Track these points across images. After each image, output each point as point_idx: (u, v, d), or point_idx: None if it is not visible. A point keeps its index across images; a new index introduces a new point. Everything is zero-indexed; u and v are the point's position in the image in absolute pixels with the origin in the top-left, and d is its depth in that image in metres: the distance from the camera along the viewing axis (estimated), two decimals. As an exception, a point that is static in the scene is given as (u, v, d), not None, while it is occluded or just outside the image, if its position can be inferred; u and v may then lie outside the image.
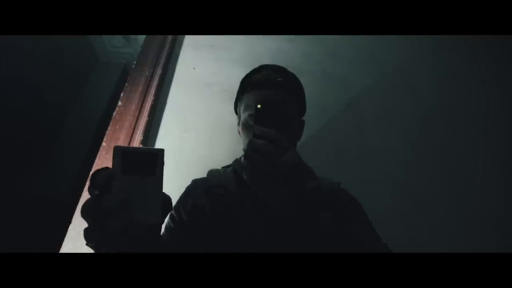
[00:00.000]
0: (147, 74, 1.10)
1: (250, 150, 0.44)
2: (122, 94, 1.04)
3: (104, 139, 0.93)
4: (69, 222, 0.80)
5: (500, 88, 1.36)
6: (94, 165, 0.88)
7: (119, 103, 1.02)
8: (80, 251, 0.75)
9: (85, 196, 0.82)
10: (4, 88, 1.79)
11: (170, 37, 1.21)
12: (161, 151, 0.35)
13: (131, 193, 0.33)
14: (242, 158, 0.46)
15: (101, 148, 0.91)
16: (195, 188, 0.67)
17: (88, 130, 2.19)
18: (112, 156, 0.33)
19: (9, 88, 1.82)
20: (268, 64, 0.72)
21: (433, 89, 1.31)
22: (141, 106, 1.02)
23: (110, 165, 0.34)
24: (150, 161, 0.34)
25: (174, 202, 0.64)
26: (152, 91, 1.05)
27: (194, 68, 1.17)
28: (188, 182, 0.70)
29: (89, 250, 0.34)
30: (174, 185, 0.68)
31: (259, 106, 0.48)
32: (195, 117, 1.06)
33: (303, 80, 0.72)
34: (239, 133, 0.69)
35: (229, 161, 0.74)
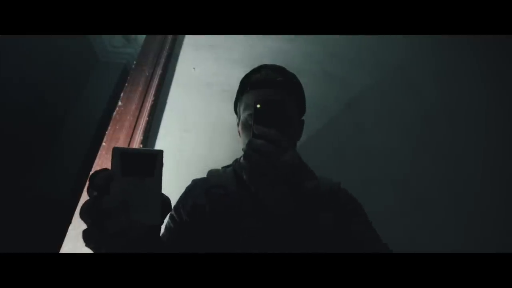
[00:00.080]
0: (147, 74, 1.10)
1: (249, 150, 0.44)
2: (122, 94, 1.04)
3: (104, 139, 0.93)
4: (69, 222, 0.80)
5: (500, 88, 1.36)
6: (94, 165, 0.88)
7: (119, 103, 1.02)
8: (80, 251, 0.75)
9: (85, 196, 0.82)
10: (4, 88, 1.79)
11: (170, 37, 1.21)
12: (160, 152, 0.35)
13: (130, 195, 0.33)
14: (242, 158, 0.46)
15: (101, 148, 0.91)
16: (195, 188, 0.67)
17: (88, 130, 2.19)
18: (111, 156, 0.33)
19: (9, 88, 1.82)
20: (267, 64, 0.72)
21: (434, 89, 1.30)
22: (141, 106, 1.02)
23: (110, 165, 0.33)
24: (149, 162, 0.34)
25: (174, 202, 0.64)
26: (152, 91, 1.05)
27: (194, 68, 1.17)
28: (188, 182, 0.70)
29: (89, 250, 0.34)
30: (174, 185, 0.68)
31: (258, 106, 0.48)
32: (195, 117, 1.06)
33: (303, 80, 0.72)
34: (239, 133, 0.69)
35: (229, 161, 0.74)
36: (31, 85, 1.98)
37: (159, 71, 1.10)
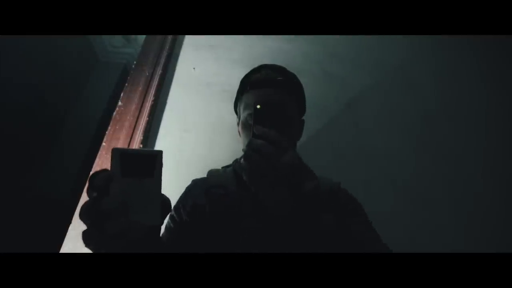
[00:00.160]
0: (147, 74, 1.10)
1: (249, 151, 0.44)
2: (122, 94, 1.04)
3: (104, 139, 0.93)
4: (69, 222, 0.80)
5: (501, 88, 1.36)
6: (94, 165, 0.88)
7: (119, 103, 1.02)
8: (80, 251, 0.75)
9: (85, 197, 0.82)
10: (4, 88, 1.79)
11: (170, 37, 1.21)
12: (160, 152, 0.35)
13: (130, 195, 0.33)
14: (242, 159, 0.46)
15: (101, 148, 0.91)
16: (195, 188, 0.67)
17: (88, 130, 2.19)
18: (110, 157, 0.33)
19: (9, 88, 1.82)
20: (267, 64, 0.72)
21: (434, 89, 1.30)
22: (141, 106, 1.02)
23: (109, 166, 0.33)
24: (149, 163, 0.34)
25: (173, 202, 0.64)
26: (152, 91, 1.05)
27: (194, 68, 1.17)
28: (188, 182, 0.70)
29: (89, 251, 0.34)
30: (174, 185, 0.68)
31: (258, 106, 0.48)
32: (195, 117, 1.06)
33: (303, 80, 0.72)
34: (239, 133, 0.69)
35: (229, 161, 0.74)
36: (31, 85, 1.98)
37: (159, 71, 1.10)
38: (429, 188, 1.06)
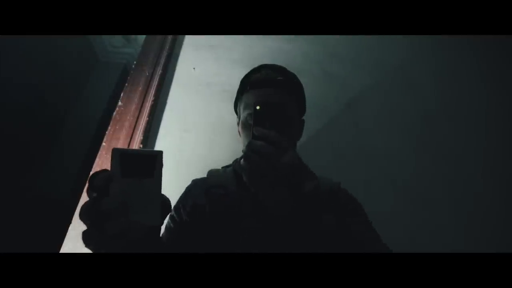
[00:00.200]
0: (147, 74, 1.10)
1: (249, 152, 0.44)
2: (122, 94, 1.04)
3: (104, 139, 0.93)
4: (69, 222, 0.80)
5: (501, 88, 1.36)
6: (94, 165, 0.88)
7: (119, 103, 1.02)
8: (80, 251, 0.75)
9: (85, 197, 0.82)
10: (4, 88, 1.79)
11: (170, 37, 1.21)
12: (160, 153, 0.35)
13: (130, 195, 0.33)
14: (242, 159, 0.46)
15: (101, 148, 0.91)
16: (195, 188, 0.67)
17: (88, 130, 2.19)
18: (110, 157, 0.33)
19: (9, 88, 1.82)
20: (267, 64, 0.72)
21: (434, 89, 1.30)
22: (141, 106, 1.02)
23: (109, 165, 0.33)
24: (149, 163, 0.34)
25: (173, 202, 0.64)
26: (152, 91, 1.05)
27: (194, 68, 1.17)
28: (188, 182, 0.70)
29: (89, 251, 0.34)
30: (174, 185, 0.68)
31: (258, 107, 0.48)
32: (195, 117, 1.06)
33: (303, 80, 0.71)
34: (239, 133, 0.69)
35: (229, 161, 0.74)
36: (31, 85, 1.98)
37: (159, 71, 1.10)
38: (429, 188, 1.06)
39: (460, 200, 1.05)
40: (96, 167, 0.88)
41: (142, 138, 0.94)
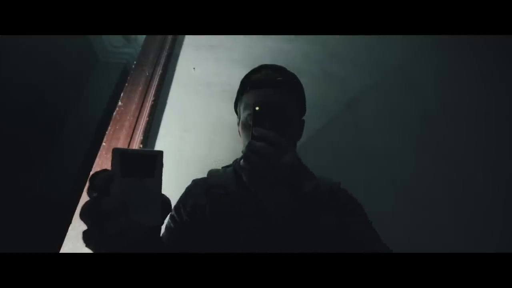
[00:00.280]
0: (147, 74, 1.10)
1: (249, 152, 0.44)
2: (122, 94, 1.04)
3: (104, 139, 0.93)
4: (69, 222, 0.80)
5: (501, 88, 1.36)
6: (94, 165, 0.88)
7: (119, 103, 1.02)
8: (80, 251, 0.75)
9: (85, 196, 0.82)
10: (4, 88, 1.79)
11: (170, 37, 1.21)
12: (160, 153, 0.35)
13: (130, 195, 0.33)
14: (242, 160, 0.46)
15: (101, 148, 0.91)
16: (195, 188, 0.67)
17: (88, 130, 2.19)
18: (111, 157, 0.33)
19: (9, 88, 1.82)
20: (267, 64, 0.72)
21: (434, 89, 1.30)
22: (141, 106, 1.02)
23: (110, 165, 0.34)
24: (149, 163, 0.34)
25: (174, 202, 0.64)
26: (152, 91, 1.05)
27: (194, 68, 1.17)
28: (188, 182, 0.70)
29: (89, 250, 0.34)
30: (174, 185, 0.68)
31: (257, 108, 0.48)
32: (195, 117, 1.06)
33: (303, 80, 0.71)
34: (239, 133, 0.69)
35: (229, 161, 0.74)
36: (31, 85, 1.98)
37: (159, 71, 1.10)
38: (429, 188, 1.06)
39: (460, 200, 1.05)
40: (96, 167, 0.88)
41: (142, 138, 0.94)
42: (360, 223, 0.59)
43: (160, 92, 1.08)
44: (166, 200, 0.37)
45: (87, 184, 0.34)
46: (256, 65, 0.72)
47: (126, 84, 1.07)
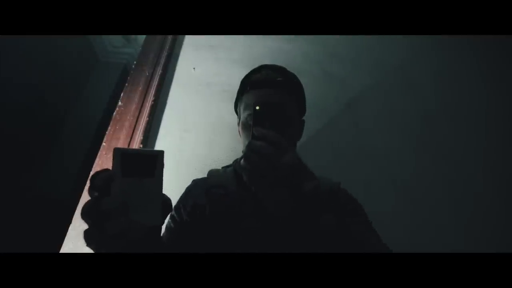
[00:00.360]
0: (147, 74, 1.10)
1: (249, 152, 0.44)
2: (122, 94, 1.04)
3: (104, 139, 0.93)
4: (69, 222, 0.80)
5: (501, 88, 1.36)
6: (94, 165, 0.88)
7: (119, 103, 1.02)
8: (80, 251, 0.75)
9: (85, 196, 0.82)
10: (4, 88, 1.79)
11: (170, 37, 1.21)
12: (161, 153, 0.35)
13: (131, 195, 0.33)
14: (242, 160, 0.46)
15: (101, 148, 0.91)
16: (195, 188, 0.67)
17: (88, 130, 2.19)
18: (112, 157, 0.33)
19: (9, 88, 1.82)
20: (268, 64, 0.72)
21: (434, 89, 1.31)
22: (141, 106, 1.02)
23: (110, 165, 0.34)
24: (150, 163, 0.34)
25: (174, 202, 0.64)
26: (152, 91, 1.05)
27: (194, 68, 1.17)
28: (188, 182, 0.70)
29: (89, 250, 0.34)
30: (174, 185, 0.68)
31: (257, 107, 0.48)
32: (195, 117, 1.06)
33: (303, 80, 0.72)
34: (239, 133, 0.69)
35: (229, 161, 0.74)
36: (31, 85, 1.98)
37: (159, 71, 1.10)
38: (429, 188, 1.06)
39: (460, 200, 1.05)
40: (96, 167, 0.88)
41: (142, 138, 0.94)
42: (360, 223, 0.59)
43: (160, 92, 1.08)
44: (167, 200, 0.37)
45: (88, 184, 0.34)
46: (256, 65, 0.72)
47: (126, 84, 1.07)
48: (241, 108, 0.67)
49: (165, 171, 0.35)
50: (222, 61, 1.21)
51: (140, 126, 0.97)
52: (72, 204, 0.79)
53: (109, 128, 0.96)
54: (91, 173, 0.79)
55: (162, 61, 1.14)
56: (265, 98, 0.61)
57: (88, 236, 0.32)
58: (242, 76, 0.72)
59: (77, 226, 0.80)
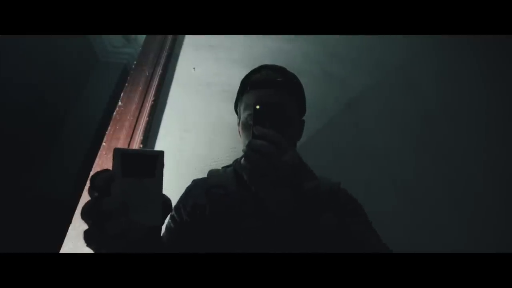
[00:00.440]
0: (147, 74, 1.10)
1: (249, 151, 0.44)
2: (122, 94, 1.04)
3: (104, 139, 0.93)
4: (69, 222, 0.80)
5: (501, 88, 1.36)
6: (94, 165, 0.88)
7: (119, 103, 1.02)
8: (80, 251, 0.75)
9: (85, 196, 0.82)
10: (4, 88, 1.79)
11: (170, 37, 1.21)
12: (161, 153, 0.35)
13: (131, 196, 0.33)
14: (242, 159, 0.46)
15: (101, 148, 0.91)
16: (195, 188, 0.67)
17: (88, 130, 2.19)
18: (112, 157, 0.33)
19: (9, 88, 1.82)
20: (268, 64, 0.72)
21: (434, 89, 1.31)
22: (141, 106, 1.02)
23: (110, 165, 0.34)
24: (150, 163, 0.34)
25: (174, 202, 0.64)
26: (152, 91, 1.05)
27: (194, 68, 1.17)
28: (188, 182, 0.70)
29: (89, 250, 0.34)
30: (174, 185, 0.68)
31: (257, 107, 0.48)
32: (195, 117, 1.06)
33: (303, 80, 0.72)
34: (239, 133, 0.69)
35: (229, 161, 0.74)
36: (31, 85, 1.98)
37: (159, 71, 1.10)
38: (429, 188, 1.06)
39: (460, 200, 1.05)
40: (96, 167, 0.88)
41: (142, 138, 0.94)
42: (360, 223, 0.59)
43: (160, 92, 1.08)
44: (167, 201, 0.37)
45: (88, 184, 0.34)
46: (256, 65, 0.72)
47: (126, 84, 1.07)
48: (241, 108, 0.67)
49: (165, 171, 0.35)
50: (222, 61, 1.21)
51: (140, 126, 0.97)
52: (72, 204, 0.79)
53: (109, 128, 0.96)
54: (91, 173, 0.79)
55: (162, 61, 1.14)
56: (265, 98, 0.61)
57: (88, 237, 0.32)
58: (242, 76, 0.72)
59: (77, 226, 0.80)
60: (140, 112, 1.00)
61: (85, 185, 0.82)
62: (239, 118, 0.70)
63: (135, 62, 1.15)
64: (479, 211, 1.04)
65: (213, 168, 0.71)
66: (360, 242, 0.48)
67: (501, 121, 1.27)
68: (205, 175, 0.69)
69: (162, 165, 0.35)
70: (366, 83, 1.26)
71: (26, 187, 1.89)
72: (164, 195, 0.36)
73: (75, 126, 2.22)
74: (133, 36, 2.42)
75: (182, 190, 0.69)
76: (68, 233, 0.79)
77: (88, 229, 0.32)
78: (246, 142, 0.61)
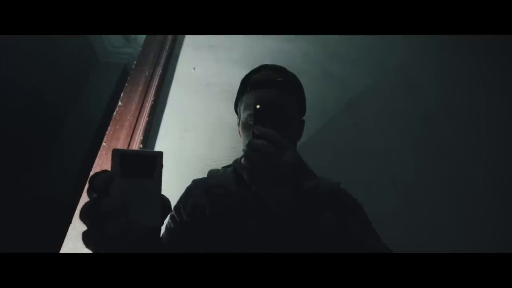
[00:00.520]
0: (147, 74, 1.10)
1: (249, 151, 0.44)
2: (122, 94, 1.04)
3: (104, 139, 0.93)
4: (69, 222, 0.80)
5: (501, 88, 1.36)
6: (94, 165, 0.88)
7: (119, 103, 1.02)
8: (80, 251, 0.75)
9: (85, 196, 0.82)
10: (4, 88, 1.79)
11: (170, 37, 1.21)
12: (160, 154, 0.35)
13: (130, 196, 0.33)
14: (242, 158, 0.46)
15: (101, 148, 0.91)
16: (195, 188, 0.67)
17: (88, 130, 2.19)
18: (111, 158, 0.34)
19: (9, 88, 1.82)
20: (268, 64, 0.72)
21: (434, 89, 1.31)
22: (141, 106, 1.02)
23: (110, 165, 0.34)
24: (149, 164, 0.34)
25: (173, 202, 0.64)
26: (152, 91, 1.05)
27: (194, 68, 1.17)
28: (188, 182, 0.70)
29: (89, 251, 0.34)
30: (174, 185, 0.68)
31: (258, 106, 0.48)
32: (195, 117, 1.06)
33: (303, 80, 0.72)
34: (240, 133, 0.69)
35: (229, 161, 0.74)
36: (31, 85, 1.98)
37: (159, 71, 1.10)
38: (429, 188, 1.06)
39: (460, 200, 1.05)
40: (96, 167, 0.88)
41: (142, 138, 0.94)
42: (360, 223, 0.59)
43: (160, 92, 1.08)
44: (166, 201, 0.37)
45: (87, 185, 0.34)
46: (256, 65, 0.72)
47: (126, 84, 1.07)
48: (241, 108, 0.67)
49: (165, 171, 0.35)
50: (222, 61, 1.21)
51: (140, 126, 0.97)
52: (72, 204, 0.79)
53: (109, 128, 0.96)
54: (91, 173, 0.79)
55: (162, 61, 1.14)
56: (265, 98, 0.61)
57: (87, 237, 0.32)
58: (242, 76, 0.72)
59: (77, 226, 0.80)
60: (140, 112, 1.00)
61: (85, 185, 0.82)
62: (239, 118, 0.70)
63: (135, 62, 1.15)
64: (479, 211, 1.04)
65: (213, 168, 0.71)
66: (360, 242, 0.48)
67: (501, 121, 1.27)
68: (205, 175, 0.69)
69: (161, 165, 0.35)
70: (366, 83, 1.26)
71: (26, 187, 1.89)
72: (163, 195, 0.36)
73: (75, 126, 2.22)
74: (133, 36, 2.42)
75: (182, 190, 0.69)
76: (68, 233, 0.79)
77: (86, 230, 0.32)
78: (246, 142, 0.61)
